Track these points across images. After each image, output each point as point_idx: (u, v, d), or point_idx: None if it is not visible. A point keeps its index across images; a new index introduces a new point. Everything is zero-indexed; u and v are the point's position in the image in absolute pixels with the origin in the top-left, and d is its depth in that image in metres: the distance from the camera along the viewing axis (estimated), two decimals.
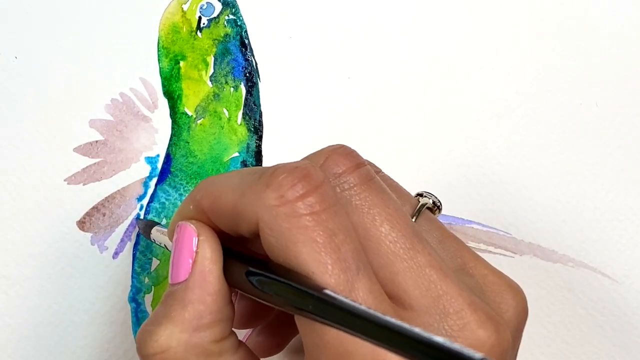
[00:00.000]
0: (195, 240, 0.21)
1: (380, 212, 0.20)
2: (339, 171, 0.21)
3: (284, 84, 0.32)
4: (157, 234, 0.27)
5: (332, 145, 0.22)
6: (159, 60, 0.32)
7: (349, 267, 0.18)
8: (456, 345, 0.14)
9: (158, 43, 0.32)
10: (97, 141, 0.31)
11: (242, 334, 0.24)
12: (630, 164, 0.32)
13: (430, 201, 0.23)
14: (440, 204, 0.24)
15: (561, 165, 0.32)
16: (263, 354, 0.26)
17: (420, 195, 0.24)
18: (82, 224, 0.30)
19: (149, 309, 0.30)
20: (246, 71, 0.32)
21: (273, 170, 0.19)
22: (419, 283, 0.20)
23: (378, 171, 0.24)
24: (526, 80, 0.33)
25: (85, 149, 0.31)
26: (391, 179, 0.24)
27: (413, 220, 0.22)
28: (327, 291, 0.17)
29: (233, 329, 0.22)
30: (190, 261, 0.21)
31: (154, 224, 0.28)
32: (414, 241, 0.20)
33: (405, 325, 0.15)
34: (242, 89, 0.32)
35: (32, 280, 0.30)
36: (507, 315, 0.21)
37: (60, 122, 0.31)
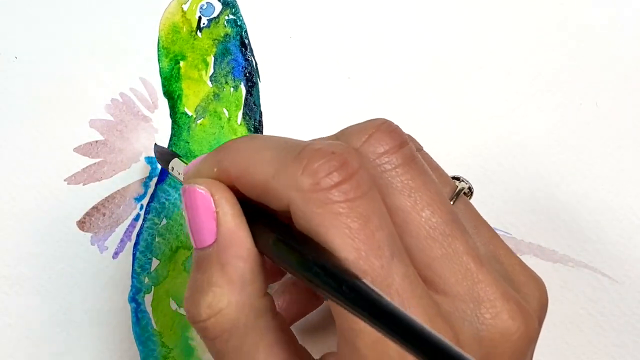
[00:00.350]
0: (211, 199, 0.20)
1: (422, 196, 0.20)
2: (381, 150, 0.20)
3: (284, 84, 0.32)
4: (176, 167, 0.26)
5: (376, 121, 0.21)
6: (159, 60, 0.32)
7: (383, 253, 0.18)
8: None
9: (158, 43, 0.32)
10: (97, 141, 0.31)
11: None
12: (630, 164, 0.32)
13: (467, 186, 0.23)
14: (473, 189, 0.24)
15: (561, 165, 0.32)
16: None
17: (457, 178, 0.24)
18: (82, 224, 0.30)
19: (149, 309, 0.30)
20: (246, 71, 0.32)
21: (310, 154, 0.19)
22: (456, 270, 0.20)
23: (420, 148, 0.23)
24: (526, 80, 0.33)
25: (85, 149, 0.31)
26: (431, 158, 0.23)
27: (451, 203, 0.22)
28: (359, 281, 0.17)
29: None
30: (213, 222, 0.20)
31: (173, 154, 0.27)
32: (453, 227, 0.20)
33: (432, 332, 0.15)
34: (242, 89, 0.32)
35: (32, 280, 0.30)
36: (534, 305, 0.21)
37: (60, 122, 0.31)
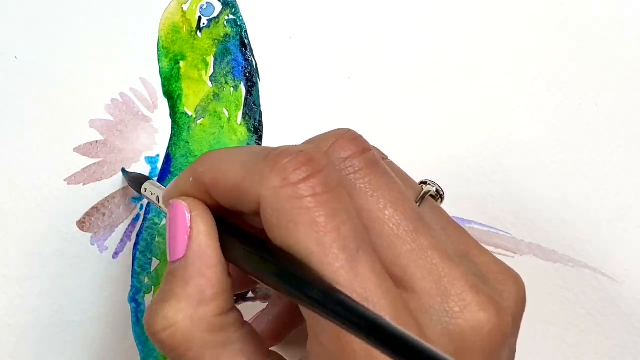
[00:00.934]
0: (188, 216, 0.21)
1: (384, 195, 0.20)
2: (344, 155, 0.21)
3: (284, 84, 0.32)
4: (149, 188, 0.27)
5: (340, 130, 0.22)
6: (159, 60, 0.32)
7: (349, 246, 0.18)
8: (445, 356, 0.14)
9: (158, 43, 0.32)
10: (97, 141, 0.31)
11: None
12: (630, 164, 0.32)
13: (434, 189, 0.24)
14: (443, 192, 0.24)
15: (561, 165, 0.32)
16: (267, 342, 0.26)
17: (424, 183, 0.24)
18: (82, 224, 0.30)
19: None
20: (246, 71, 0.32)
21: (278, 153, 0.19)
22: (421, 265, 0.20)
23: (384, 157, 0.24)
24: (526, 80, 0.33)
25: (85, 149, 0.31)
26: (396, 166, 0.24)
27: (415, 203, 0.22)
28: (316, 287, 0.17)
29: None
30: (186, 237, 0.21)
31: (145, 178, 0.28)
32: (417, 225, 0.20)
33: (394, 324, 0.15)
34: (242, 89, 0.32)
35: (32, 280, 0.30)
36: (509, 301, 0.21)
37: (60, 122, 0.31)
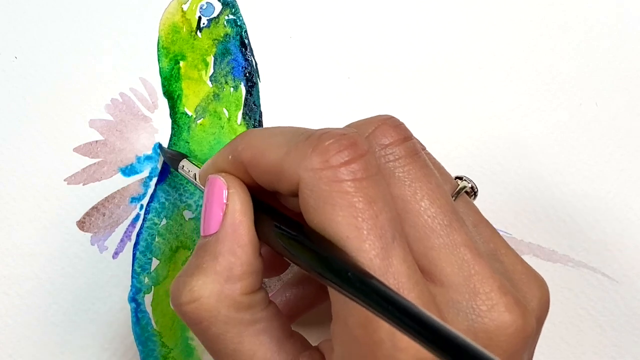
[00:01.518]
0: (225, 192, 0.21)
1: (422, 187, 0.20)
2: (386, 142, 0.21)
3: (284, 84, 0.32)
4: (187, 165, 0.27)
5: (382, 116, 0.22)
6: (159, 60, 0.32)
7: (385, 234, 0.18)
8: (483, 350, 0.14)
9: (158, 43, 0.32)
10: (97, 141, 0.31)
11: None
12: (630, 164, 0.32)
13: (469, 185, 0.24)
14: (477, 190, 0.24)
15: (561, 165, 0.32)
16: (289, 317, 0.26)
17: (459, 178, 0.24)
18: (82, 224, 0.30)
19: (149, 309, 0.30)
20: (246, 71, 0.32)
21: (320, 134, 0.19)
22: (453, 260, 0.20)
23: (423, 148, 0.24)
24: (526, 80, 0.33)
25: (85, 149, 0.31)
26: (434, 158, 0.24)
27: (451, 197, 0.22)
28: (352, 272, 0.17)
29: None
30: (221, 213, 0.21)
31: (182, 155, 0.28)
32: (452, 219, 0.20)
33: (432, 316, 0.15)
34: (242, 89, 0.32)
35: (32, 280, 0.30)
36: (532, 304, 0.21)
37: (60, 122, 0.31)
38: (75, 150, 0.31)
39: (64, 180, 0.30)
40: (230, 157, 0.22)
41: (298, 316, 0.27)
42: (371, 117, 0.22)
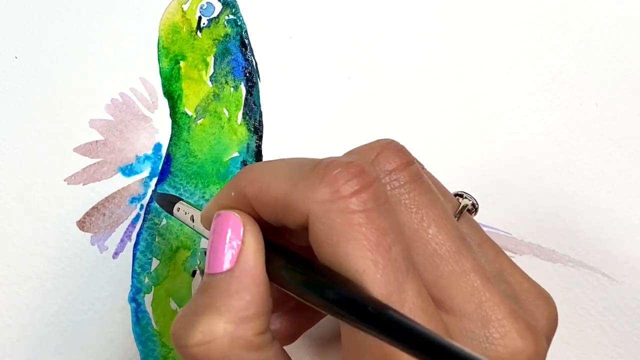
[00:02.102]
0: (242, 230, 0.20)
1: (428, 213, 0.20)
2: (389, 168, 0.20)
3: (284, 84, 0.32)
4: (182, 208, 0.26)
5: (383, 140, 0.21)
6: (159, 60, 0.32)
7: (400, 267, 0.18)
8: None
9: (158, 43, 0.32)
10: (97, 141, 0.31)
11: None
12: (630, 164, 0.32)
13: (470, 203, 0.23)
14: (478, 205, 0.24)
15: (561, 165, 0.32)
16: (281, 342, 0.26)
17: (459, 195, 0.24)
18: (82, 224, 0.30)
19: (149, 309, 0.30)
20: (246, 71, 0.32)
21: (327, 164, 0.19)
22: (463, 288, 0.20)
23: (422, 167, 0.23)
24: (526, 80, 0.33)
25: (85, 149, 0.31)
26: (433, 176, 0.23)
27: (456, 220, 0.22)
28: (372, 307, 0.16)
29: None
30: (234, 251, 0.20)
31: (175, 198, 0.28)
32: (460, 245, 0.20)
33: (452, 342, 0.15)
34: (242, 89, 0.32)
35: (32, 280, 0.30)
36: (542, 323, 0.21)
37: (60, 122, 0.31)
38: (75, 150, 0.31)
39: (64, 180, 0.30)
40: (233, 194, 0.21)
41: (292, 340, 0.27)
42: (372, 143, 0.21)
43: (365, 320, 0.16)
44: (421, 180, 0.21)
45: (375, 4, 0.33)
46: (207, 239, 0.22)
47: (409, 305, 0.18)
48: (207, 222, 0.22)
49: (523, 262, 0.31)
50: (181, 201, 0.27)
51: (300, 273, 0.19)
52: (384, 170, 0.20)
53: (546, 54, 0.33)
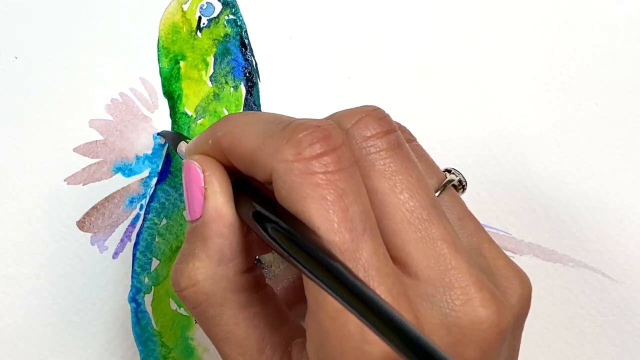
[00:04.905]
0: (201, 175, 0.21)
1: (402, 180, 0.20)
2: (368, 134, 0.21)
3: (284, 84, 0.32)
4: (184, 146, 0.27)
5: (367, 107, 0.22)
6: (159, 60, 0.32)
7: (355, 227, 0.18)
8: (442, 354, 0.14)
9: (158, 43, 0.32)
10: (97, 141, 0.31)
11: None
12: (630, 164, 0.32)
13: (457, 179, 0.23)
14: (466, 183, 0.24)
15: (561, 165, 0.32)
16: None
17: (448, 171, 0.24)
18: (82, 224, 0.30)
19: (149, 309, 0.30)
20: (246, 71, 0.32)
21: (295, 126, 0.19)
22: (429, 254, 0.20)
23: (412, 140, 0.24)
24: (526, 80, 0.33)
25: (85, 149, 0.31)
26: (423, 150, 0.24)
27: (436, 194, 0.22)
28: (325, 253, 0.17)
29: None
30: (202, 197, 0.21)
31: (181, 137, 0.28)
32: (431, 213, 0.20)
33: (393, 309, 0.15)
34: (242, 89, 0.32)
35: (32, 280, 0.30)
36: (512, 300, 0.21)
37: (60, 122, 0.31)
38: (75, 150, 0.31)
39: (64, 180, 0.30)
40: (210, 141, 0.22)
41: (297, 304, 0.27)
42: (356, 108, 0.22)
43: (314, 265, 0.17)
44: (399, 149, 0.21)
45: (375, 4, 0.33)
46: None
47: (363, 264, 0.18)
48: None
49: (523, 262, 0.31)
50: (184, 140, 0.27)
51: (264, 216, 0.20)
52: (362, 135, 0.21)
53: (546, 54, 0.33)
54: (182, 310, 0.30)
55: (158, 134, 0.31)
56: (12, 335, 0.29)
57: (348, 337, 0.18)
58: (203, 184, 0.21)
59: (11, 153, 0.31)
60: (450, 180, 0.23)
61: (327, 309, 0.18)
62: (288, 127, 0.19)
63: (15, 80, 0.31)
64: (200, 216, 0.21)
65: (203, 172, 0.21)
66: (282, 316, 0.22)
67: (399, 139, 0.21)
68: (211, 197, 0.21)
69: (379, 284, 0.18)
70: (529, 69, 0.33)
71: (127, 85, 0.32)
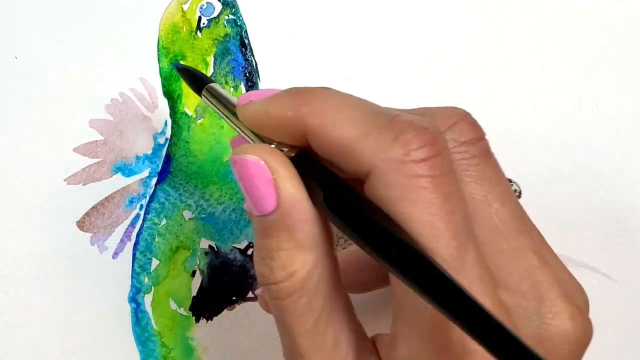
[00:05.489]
0: (264, 166, 0.20)
1: (494, 188, 0.20)
2: (462, 140, 0.20)
3: (284, 84, 0.32)
4: (217, 90, 0.24)
5: (459, 110, 0.21)
6: (158, 60, 0.32)
7: (460, 234, 0.18)
8: None
9: (158, 43, 0.32)
10: (97, 141, 0.31)
11: None
12: (630, 164, 0.32)
13: (519, 189, 0.23)
14: (521, 192, 0.24)
15: (561, 165, 0.32)
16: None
17: (509, 180, 0.24)
18: (81, 224, 0.30)
19: (148, 309, 0.30)
20: (246, 71, 0.32)
21: (403, 124, 0.18)
22: (520, 266, 0.19)
23: None
24: (526, 80, 0.33)
25: (85, 149, 0.31)
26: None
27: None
28: (430, 258, 0.16)
29: None
30: (271, 188, 0.20)
31: (204, 78, 0.25)
32: (521, 223, 0.20)
33: (508, 327, 0.15)
34: (242, 89, 0.32)
35: (32, 280, 0.30)
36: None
37: (60, 122, 0.31)
38: (75, 150, 0.31)
39: (64, 180, 0.30)
40: (290, 113, 0.20)
41: (360, 291, 0.26)
42: (447, 109, 0.21)
43: (424, 282, 0.16)
44: (489, 156, 0.21)
45: (375, 4, 0.33)
46: (244, 134, 0.22)
47: (467, 274, 0.18)
48: (249, 121, 0.21)
49: None
50: (213, 84, 0.24)
51: (360, 218, 0.18)
52: (457, 140, 0.20)
53: (546, 53, 0.33)
54: (182, 310, 0.30)
55: (175, 65, 0.29)
56: (12, 335, 0.29)
57: (450, 347, 0.17)
58: (270, 175, 0.20)
59: (11, 153, 0.31)
60: (516, 190, 0.23)
61: (427, 318, 0.18)
62: (394, 122, 0.19)
63: (15, 80, 0.31)
64: (276, 208, 0.20)
65: (267, 162, 0.20)
66: (351, 309, 0.21)
67: (489, 147, 0.21)
68: (284, 186, 0.20)
69: (483, 295, 0.18)
70: (529, 69, 0.33)
71: (127, 85, 0.32)
